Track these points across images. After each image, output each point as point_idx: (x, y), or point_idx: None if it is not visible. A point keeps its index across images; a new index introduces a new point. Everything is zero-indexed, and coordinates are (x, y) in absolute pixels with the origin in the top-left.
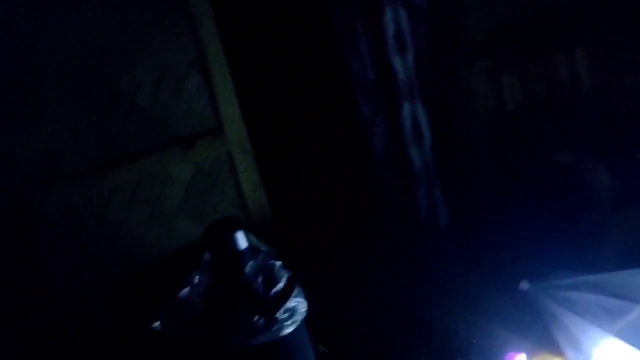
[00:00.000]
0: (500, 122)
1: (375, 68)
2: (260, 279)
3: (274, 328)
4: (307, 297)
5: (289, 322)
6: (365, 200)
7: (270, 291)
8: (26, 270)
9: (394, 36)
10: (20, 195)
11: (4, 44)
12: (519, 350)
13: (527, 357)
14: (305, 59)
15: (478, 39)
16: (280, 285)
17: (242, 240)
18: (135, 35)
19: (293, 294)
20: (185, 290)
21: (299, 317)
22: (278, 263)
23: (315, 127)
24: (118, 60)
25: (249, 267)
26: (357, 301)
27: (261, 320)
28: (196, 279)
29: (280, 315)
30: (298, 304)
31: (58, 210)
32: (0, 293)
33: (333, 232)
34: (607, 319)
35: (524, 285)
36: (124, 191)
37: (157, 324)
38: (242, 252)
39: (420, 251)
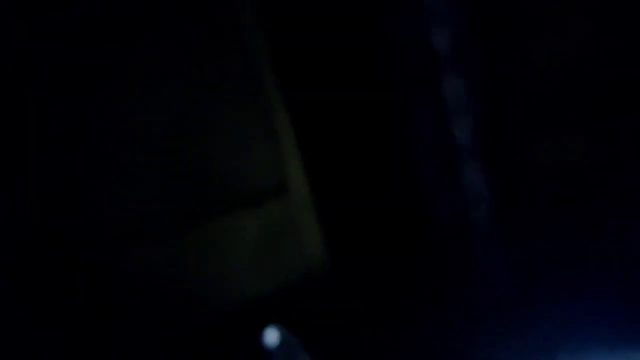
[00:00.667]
0: (565, 183)
1: (435, 133)
2: None
3: None
4: None
5: None
6: (424, 250)
7: None
8: (105, 324)
9: (453, 101)
10: (106, 250)
11: (98, 116)
12: None
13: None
14: (367, 125)
15: (541, 100)
16: None
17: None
18: (214, 109)
19: None
20: None
21: None
22: (303, 354)
23: (377, 192)
24: (198, 130)
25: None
26: None
27: None
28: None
29: None
30: None
31: (139, 267)
32: (79, 340)
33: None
34: None
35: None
36: (198, 249)
37: None
38: (273, 349)
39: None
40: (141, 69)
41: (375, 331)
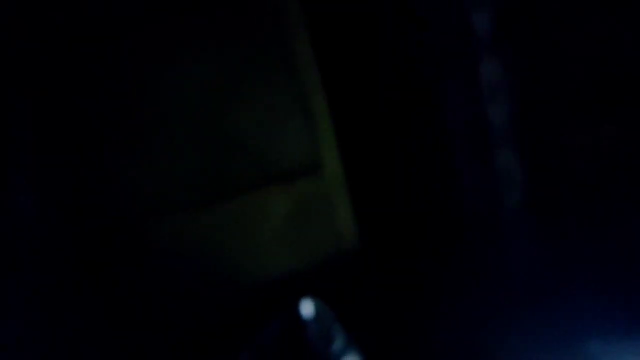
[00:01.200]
0: (600, 170)
1: (469, 116)
2: (321, 340)
3: None
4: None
5: None
6: (454, 239)
7: (328, 349)
8: (135, 295)
9: (488, 85)
10: (134, 222)
11: (126, 86)
12: None
13: None
14: (402, 105)
15: (579, 89)
16: (337, 345)
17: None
18: (248, 82)
19: (349, 352)
20: (262, 340)
21: None
22: (338, 327)
23: (411, 171)
24: (229, 103)
25: (312, 331)
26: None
27: None
28: (271, 332)
29: None
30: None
31: (167, 238)
32: (110, 311)
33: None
34: None
35: (592, 345)
36: (227, 223)
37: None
38: (309, 321)
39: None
40: (173, 39)
41: (404, 309)
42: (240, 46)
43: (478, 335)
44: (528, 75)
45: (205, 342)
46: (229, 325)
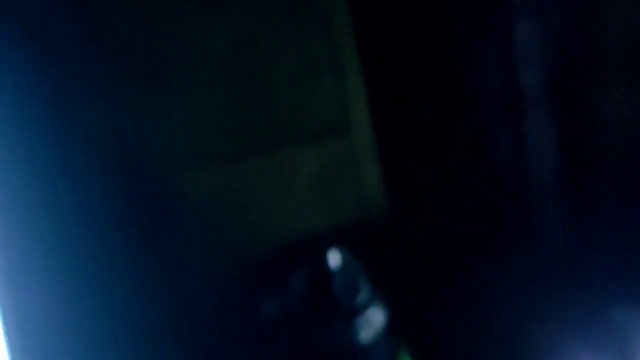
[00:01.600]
0: (633, 141)
1: (504, 82)
2: (346, 291)
3: (353, 335)
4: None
5: (368, 330)
6: (484, 202)
7: (353, 299)
8: (167, 251)
9: (523, 50)
10: (164, 179)
11: (163, 41)
12: None
13: None
14: (437, 65)
15: (614, 56)
16: (363, 295)
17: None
18: (278, 35)
19: (375, 304)
20: (290, 285)
21: (379, 325)
22: (364, 279)
23: (441, 137)
24: (259, 58)
25: (338, 282)
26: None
27: (341, 326)
28: (297, 281)
29: (359, 322)
30: (379, 312)
31: (197, 195)
32: (144, 270)
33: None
34: None
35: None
36: (255, 180)
37: (265, 311)
38: (335, 271)
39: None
40: None
41: (431, 271)
42: None
43: (502, 298)
44: (565, 42)
45: (231, 294)
46: (255, 277)
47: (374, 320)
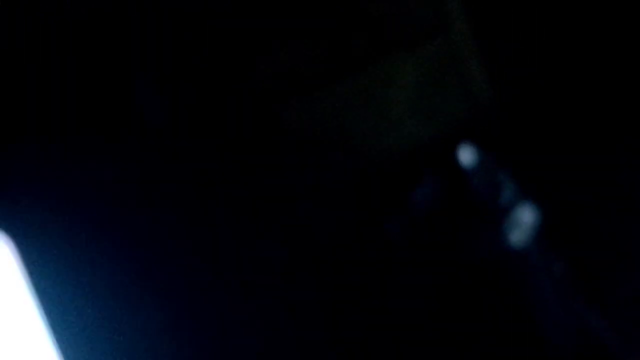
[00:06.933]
0: None
1: None
2: (487, 191)
3: (500, 241)
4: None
5: (516, 234)
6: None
7: (496, 202)
8: (274, 174)
9: None
10: (263, 106)
11: None
12: None
13: None
14: None
15: None
16: (507, 195)
17: (470, 155)
18: None
19: (520, 204)
20: (417, 196)
21: (528, 228)
22: (505, 174)
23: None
24: None
25: (476, 181)
26: None
27: (486, 233)
28: (425, 191)
29: (507, 227)
30: (527, 214)
31: (297, 120)
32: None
33: None
34: None
35: None
36: (355, 98)
37: (391, 228)
38: (470, 169)
39: None
40: None
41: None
42: None
43: None
44: None
45: (345, 217)
46: (368, 197)
47: (524, 220)
